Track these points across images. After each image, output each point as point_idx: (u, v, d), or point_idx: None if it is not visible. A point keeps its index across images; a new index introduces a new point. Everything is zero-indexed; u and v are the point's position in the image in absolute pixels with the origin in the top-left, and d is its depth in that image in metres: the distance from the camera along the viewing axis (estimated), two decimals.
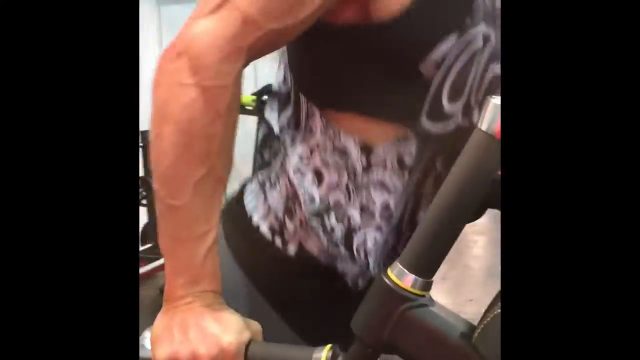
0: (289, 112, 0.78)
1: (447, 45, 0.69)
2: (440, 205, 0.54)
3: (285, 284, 0.77)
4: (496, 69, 0.74)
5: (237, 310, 0.72)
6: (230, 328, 0.66)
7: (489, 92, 0.74)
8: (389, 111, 0.71)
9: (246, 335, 0.67)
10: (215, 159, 0.66)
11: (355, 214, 0.75)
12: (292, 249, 0.78)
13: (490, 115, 0.51)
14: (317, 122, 0.75)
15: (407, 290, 0.55)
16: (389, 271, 0.57)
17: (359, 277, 0.79)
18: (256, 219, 0.80)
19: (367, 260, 0.77)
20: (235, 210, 0.82)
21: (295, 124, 0.77)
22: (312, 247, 0.78)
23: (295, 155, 0.77)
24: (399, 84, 0.69)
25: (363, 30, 0.69)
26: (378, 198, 0.74)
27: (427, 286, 0.56)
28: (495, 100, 0.51)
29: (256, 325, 0.70)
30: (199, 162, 0.65)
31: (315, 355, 0.62)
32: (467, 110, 0.74)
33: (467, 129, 0.70)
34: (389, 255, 0.78)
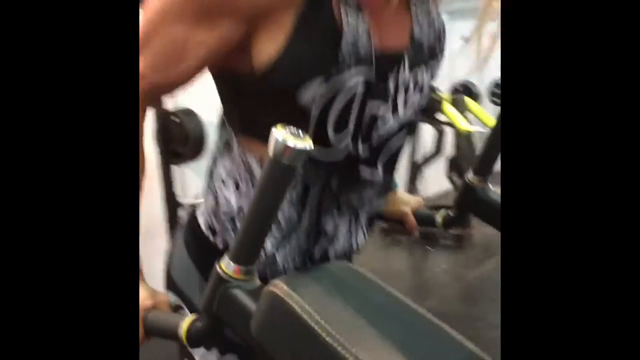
0: (224, 134, 0.96)
1: (315, 84, 0.82)
2: (249, 215, 0.70)
3: (207, 259, 0.89)
4: (373, 107, 0.90)
5: (188, 288, 0.97)
6: None
7: (370, 127, 0.91)
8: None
9: (148, 302, 0.84)
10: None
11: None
12: (219, 242, 0.97)
13: (272, 144, 0.63)
14: (234, 143, 0.92)
15: (228, 275, 0.72)
16: (221, 261, 0.74)
17: (266, 268, 0.95)
18: (199, 218, 1.00)
19: (274, 257, 0.95)
20: (190, 212, 1.03)
21: (225, 143, 0.95)
22: (221, 240, 0.97)
23: (221, 167, 0.96)
24: (284, 114, 0.81)
25: (249, 75, 0.83)
26: None
27: (247, 272, 0.73)
28: (275, 133, 0.64)
29: (163, 297, 0.88)
30: None
31: (181, 322, 0.77)
32: (354, 142, 0.90)
33: (355, 157, 0.91)
34: (302, 255, 0.96)
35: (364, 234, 1.07)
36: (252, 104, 0.88)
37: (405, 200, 1.31)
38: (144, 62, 0.81)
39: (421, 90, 0.98)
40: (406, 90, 0.94)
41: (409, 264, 3.82)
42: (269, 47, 0.81)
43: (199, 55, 0.81)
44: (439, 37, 0.99)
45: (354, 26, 0.83)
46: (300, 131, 0.66)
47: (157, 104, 0.94)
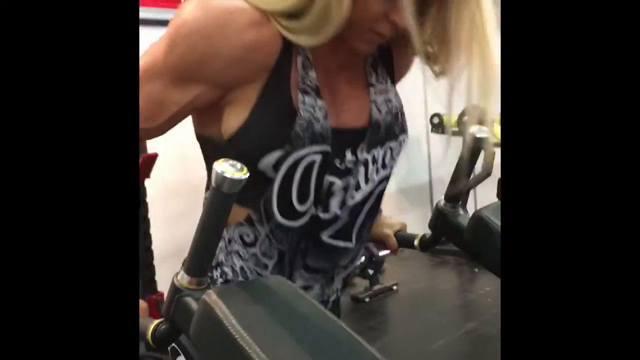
0: None
1: (273, 156, 0.93)
2: (197, 235, 0.80)
3: None
4: (330, 178, 1.00)
5: None
6: None
7: (329, 195, 1.02)
8: (241, 199, 0.90)
9: None
10: None
11: (228, 271, 1.07)
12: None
13: (213, 175, 0.76)
14: None
15: (182, 285, 0.84)
16: (177, 273, 0.85)
17: None
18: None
19: None
20: None
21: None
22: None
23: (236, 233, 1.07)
24: (250, 179, 0.87)
25: (219, 140, 0.97)
26: (245, 264, 1.06)
27: (200, 282, 0.84)
28: (216, 166, 0.75)
29: (141, 303, 0.98)
30: None
31: (151, 325, 0.88)
32: (317, 207, 1.02)
33: (316, 220, 1.02)
34: None
35: (339, 292, 1.19)
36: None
37: (388, 224, 1.44)
38: None
39: (383, 167, 1.09)
40: (366, 167, 1.05)
41: (454, 285, 3.92)
42: (234, 117, 0.94)
43: (172, 112, 0.95)
44: (397, 117, 1.09)
45: (310, 107, 0.95)
46: (238, 164, 0.77)
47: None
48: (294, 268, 1.07)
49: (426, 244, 1.34)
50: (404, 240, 1.40)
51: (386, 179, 1.12)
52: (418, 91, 4.99)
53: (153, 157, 3.27)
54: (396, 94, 1.11)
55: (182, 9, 0.89)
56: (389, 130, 1.07)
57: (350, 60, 1.00)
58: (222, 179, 0.76)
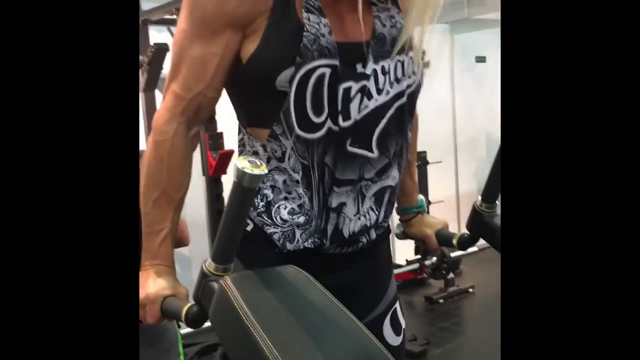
0: (239, 137, 1.17)
1: (287, 73, 1.00)
2: (221, 225, 0.85)
3: (248, 252, 1.07)
4: (344, 85, 1.04)
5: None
6: (157, 286, 1.02)
7: (347, 106, 1.06)
8: (265, 120, 1.05)
9: (167, 292, 1.02)
10: (166, 185, 1.05)
11: (268, 192, 1.10)
12: (247, 227, 1.12)
13: (234, 172, 0.80)
14: (245, 138, 1.13)
15: (208, 271, 0.89)
16: (206, 261, 0.90)
17: (283, 239, 1.10)
18: None
19: (288, 225, 1.10)
20: None
21: (240, 144, 1.16)
22: (252, 226, 1.13)
23: (237, 150, 1.17)
24: (269, 101, 1.02)
25: (240, 70, 1.04)
26: (279, 178, 1.09)
27: (225, 269, 0.88)
28: (237, 163, 0.80)
29: (182, 289, 1.05)
30: (155, 188, 1.05)
31: (184, 307, 0.95)
32: (333, 119, 1.05)
33: (336, 131, 1.06)
34: (320, 234, 1.10)
35: (377, 213, 1.17)
36: (246, 96, 1.08)
37: (429, 223, 1.43)
38: (178, 85, 1.04)
39: (397, 80, 1.11)
40: (376, 77, 1.09)
41: None
42: (250, 44, 1.02)
43: (215, 64, 1.03)
44: (401, 31, 1.12)
45: (315, 24, 1.02)
46: (258, 161, 0.82)
47: (204, 120, 1.14)
48: (324, 184, 1.10)
49: (464, 243, 1.33)
50: (443, 239, 1.40)
51: (401, 94, 1.13)
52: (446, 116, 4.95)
53: (229, 154, 3.35)
54: (398, 12, 1.15)
55: None
56: (394, 43, 1.11)
57: None
58: (242, 174, 0.80)
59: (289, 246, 1.10)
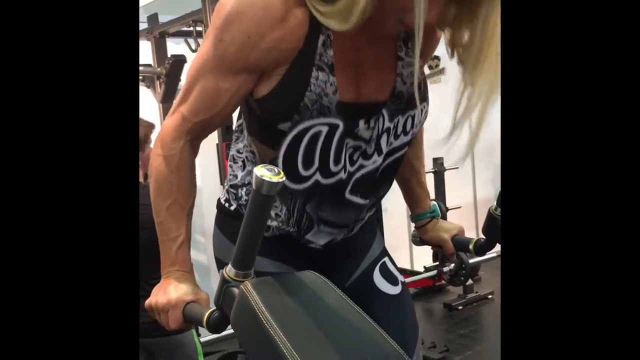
0: (240, 123, 1.21)
1: (285, 125, 1.04)
2: (242, 232, 0.87)
3: (231, 227, 1.20)
4: (348, 142, 1.09)
5: (225, 257, 1.21)
6: (179, 291, 1.06)
7: (352, 159, 1.11)
8: (266, 140, 1.09)
9: (188, 297, 1.06)
10: (176, 194, 1.10)
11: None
12: (233, 209, 1.23)
13: (253, 180, 0.82)
14: (245, 135, 1.18)
15: (229, 277, 0.90)
16: (226, 267, 0.91)
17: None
18: (221, 198, 1.27)
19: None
20: (218, 199, 1.29)
21: (240, 130, 1.21)
22: (235, 206, 1.22)
23: (234, 149, 1.22)
24: (270, 130, 1.06)
25: (251, 99, 1.07)
26: None
27: (245, 275, 0.90)
28: (256, 171, 0.81)
29: (204, 294, 1.09)
30: (166, 197, 1.10)
31: (206, 312, 0.97)
32: (324, 172, 1.09)
33: (322, 184, 1.10)
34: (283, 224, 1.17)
35: (356, 227, 1.24)
36: (255, 119, 1.11)
37: (445, 228, 1.45)
38: (187, 108, 1.07)
39: (404, 133, 1.15)
40: (387, 134, 1.12)
41: None
42: (265, 86, 1.05)
43: (225, 99, 1.06)
44: (419, 88, 1.10)
45: (322, 82, 1.03)
46: (276, 168, 0.84)
47: (204, 138, 1.16)
48: (301, 225, 1.16)
49: (480, 248, 1.35)
50: (460, 244, 1.41)
51: (406, 144, 1.18)
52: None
53: None
54: (421, 67, 1.16)
55: (223, 4, 1.00)
56: (411, 99, 1.12)
57: (381, 36, 1.06)
58: (261, 182, 0.82)
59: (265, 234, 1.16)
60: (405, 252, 4.92)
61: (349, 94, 1.06)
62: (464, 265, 3.94)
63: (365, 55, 1.06)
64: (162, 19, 3.76)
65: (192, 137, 1.11)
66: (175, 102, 1.10)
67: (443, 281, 4.67)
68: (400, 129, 1.14)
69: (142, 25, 3.86)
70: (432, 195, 3.97)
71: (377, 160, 1.14)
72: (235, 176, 1.23)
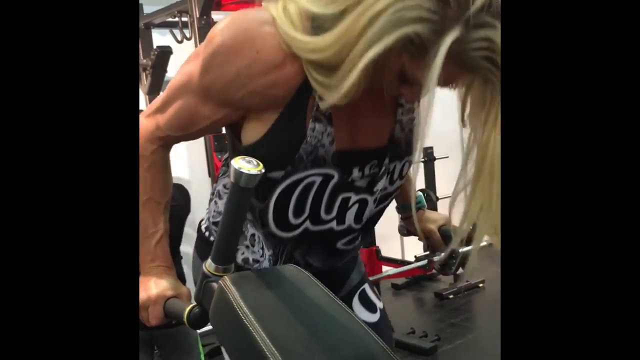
0: (226, 164, 1.19)
1: (277, 174, 1.00)
2: (221, 226, 0.87)
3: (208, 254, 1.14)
4: (343, 195, 1.06)
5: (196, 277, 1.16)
6: (159, 287, 1.05)
7: (341, 209, 1.08)
8: (257, 194, 1.05)
9: (169, 292, 1.05)
10: (150, 192, 1.07)
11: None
12: (211, 238, 1.20)
13: (232, 172, 0.81)
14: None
15: (209, 271, 0.89)
16: (206, 261, 0.90)
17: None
18: (202, 226, 1.25)
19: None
20: (199, 224, 1.27)
21: (225, 169, 1.18)
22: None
23: (221, 184, 1.20)
24: (264, 180, 0.96)
25: (238, 144, 1.04)
26: (249, 229, 1.14)
27: (225, 270, 0.89)
28: (234, 163, 0.81)
29: (184, 289, 1.08)
30: (142, 193, 1.07)
31: (187, 308, 0.95)
32: (314, 220, 1.07)
33: (312, 231, 1.08)
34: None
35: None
36: None
37: (431, 219, 1.41)
38: (163, 119, 1.05)
39: (400, 178, 1.13)
40: (380, 182, 1.09)
41: None
42: (252, 132, 1.00)
43: (203, 124, 1.02)
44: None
45: (319, 133, 0.99)
46: (254, 160, 0.83)
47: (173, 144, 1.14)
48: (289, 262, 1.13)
49: (469, 238, 1.33)
50: (447, 235, 1.38)
51: (399, 186, 1.16)
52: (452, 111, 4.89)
53: None
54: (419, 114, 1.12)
55: (219, 32, 0.94)
56: (409, 145, 1.10)
57: (380, 85, 0.98)
58: (239, 174, 0.81)
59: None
60: (396, 241, 4.92)
61: (344, 143, 1.02)
62: (454, 255, 3.93)
63: (364, 103, 0.99)
64: (147, 9, 3.71)
65: (165, 143, 1.09)
66: (154, 105, 1.07)
67: (434, 270, 4.69)
68: (396, 174, 1.12)
69: None
70: (422, 185, 3.94)
71: (370, 207, 1.11)
72: (220, 213, 1.19)
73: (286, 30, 0.90)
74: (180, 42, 3.37)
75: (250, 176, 0.81)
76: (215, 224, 1.19)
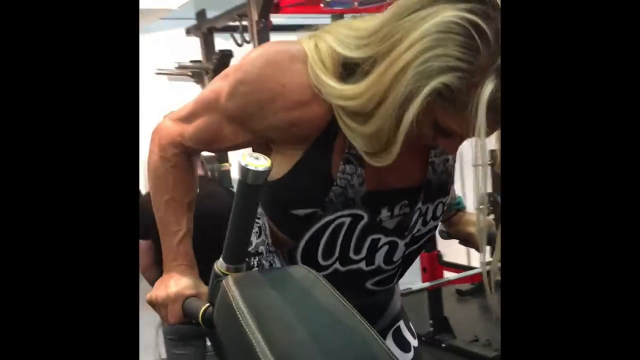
0: None
1: (305, 211, 0.98)
2: (230, 225, 0.85)
3: None
4: (372, 236, 1.03)
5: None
6: (179, 285, 1.05)
7: (374, 250, 1.05)
8: (282, 227, 1.05)
9: (188, 291, 1.04)
10: (172, 192, 1.07)
11: (266, 264, 1.13)
12: None
13: (238, 169, 0.80)
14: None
15: (220, 271, 0.89)
16: (217, 261, 0.90)
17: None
18: None
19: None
20: None
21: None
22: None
23: (259, 219, 1.14)
24: (284, 217, 1.01)
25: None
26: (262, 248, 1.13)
27: (237, 269, 0.88)
28: (240, 160, 0.79)
29: (204, 289, 1.04)
30: (164, 192, 1.08)
31: (202, 307, 0.95)
32: (343, 261, 1.04)
33: (343, 272, 1.05)
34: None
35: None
36: (267, 199, 1.04)
37: (472, 221, 1.37)
38: (189, 130, 1.04)
39: (433, 219, 1.09)
40: (409, 222, 1.05)
41: None
42: (276, 167, 0.95)
43: (225, 144, 1.03)
44: (450, 174, 1.09)
45: (349, 175, 0.97)
46: (261, 156, 0.80)
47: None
48: None
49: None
50: (489, 239, 1.33)
51: (435, 227, 1.12)
52: None
53: None
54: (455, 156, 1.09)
55: (250, 59, 0.95)
56: (442, 187, 1.07)
57: (416, 136, 0.94)
58: (245, 171, 0.79)
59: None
60: (461, 246, 4.81)
61: (374, 183, 1.00)
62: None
63: None
64: (210, 14, 3.79)
65: (187, 151, 1.08)
66: (181, 112, 1.07)
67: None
68: (429, 216, 1.08)
69: (192, 22, 3.92)
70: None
71: (401, 249, 1.08)
72: (250, 243, 1.16)
73: (317, 72, 0.89)
74: (240, 45, 3.42)
75: (257, 173, 0.79)
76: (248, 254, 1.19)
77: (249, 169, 0.79)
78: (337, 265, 1.05)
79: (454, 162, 1.10)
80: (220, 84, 0.98)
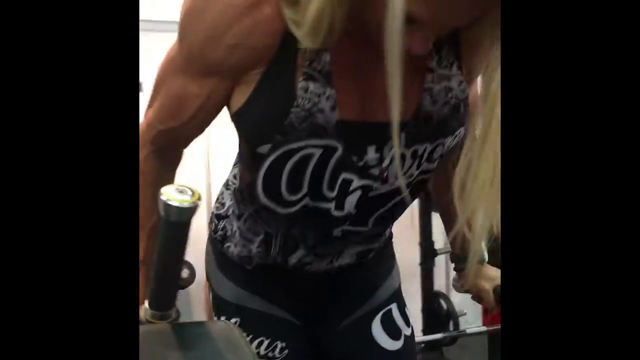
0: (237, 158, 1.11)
1: (265, 148, 0.87)
2: (155, 268, 0.76)
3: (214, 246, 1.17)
4: (344, 175, 0.91)
5: (209, 271, 1.21)
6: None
7: (345, 193, 0.93)
8: (246, 162, 0.98)
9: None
10: (142, 191, 0.88)
11: (229, 228, 1.13)
12: (218, 236, 1.15)
13: (160, 204, 0.69)
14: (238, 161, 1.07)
15: (145, 318, 0.79)
16: (143, 306, 0.80)
17: (239, 259, 1.12)
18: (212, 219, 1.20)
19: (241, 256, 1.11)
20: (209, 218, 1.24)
21: (238, 158, 1.09)
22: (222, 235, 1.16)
23: (231, 175, 1.14)
24: (252, 160, 0.92)
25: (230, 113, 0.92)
26: (233, 223, 1.12)
27: (162, 316, 0.78)
28: (161, 194, 0.69)
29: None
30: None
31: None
32: (314, 197, 0.93)
33: (313, 208, 0.94)
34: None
35: (353, 261, 1.11)
36: (239, 139, 0.98)
37: (489, 276, 1.25)
38: (152, 114, 0.94)
39: (428, 161, 0.94)
40: (402, 162, 0.91)
41: None
42: (238, 95, 0.88)
43: (194, 106, 0.89)
44: (457, 109, 0.90)
45: (314, 96, 0.84)
46: (189, 190, 0.70)
47: (177, 152, 1.04)
48: (285, 246, 1.04)
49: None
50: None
51: (430, 170, 0.95)
52: None
53: None
54: (461, 82, 0.89)
55: None
56: (443, 124, 0.89)
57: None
58: (167, 207, 0.69)
59: (247, 266, 1.11)
60: None
61: (350, 111, 0.86)
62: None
63: (376, 63, 0.76)
64: None
65: (158, 147, 0.97)
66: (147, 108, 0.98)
67: None
68: (425, 156, 0.92)
69: None
70: (417, 238, 3.62)
71: (392, 186, 0.94)
72: (223, 204, 1.14)
73: None
74: None
75: (181, 209, 0.68)
76: (217, 216, 1.15)
77: (171, 205, 0.69)
78: (307, 200, 0.94)
79: (464, 93, 0.90)
80: (170, 51, 0.91)
